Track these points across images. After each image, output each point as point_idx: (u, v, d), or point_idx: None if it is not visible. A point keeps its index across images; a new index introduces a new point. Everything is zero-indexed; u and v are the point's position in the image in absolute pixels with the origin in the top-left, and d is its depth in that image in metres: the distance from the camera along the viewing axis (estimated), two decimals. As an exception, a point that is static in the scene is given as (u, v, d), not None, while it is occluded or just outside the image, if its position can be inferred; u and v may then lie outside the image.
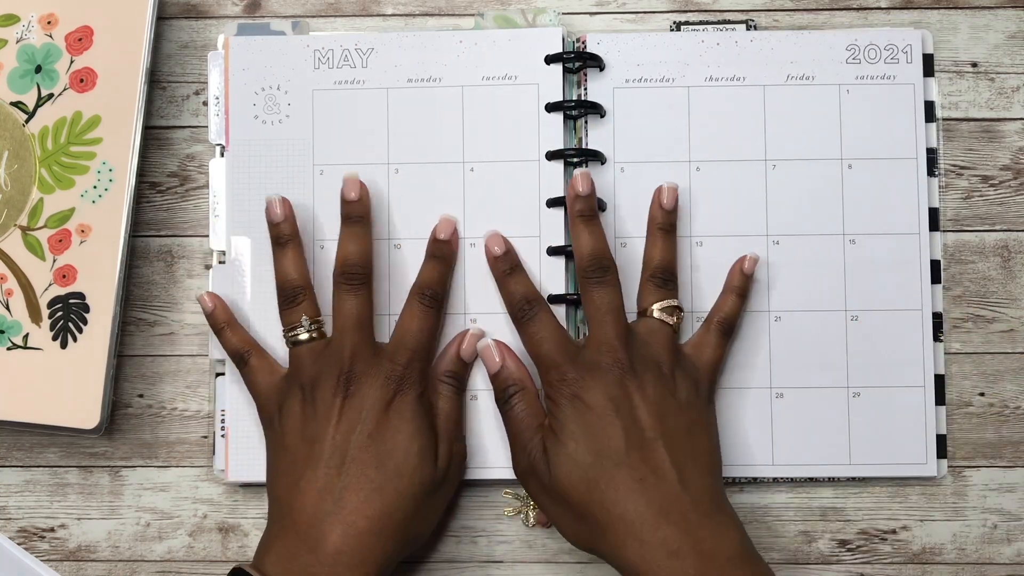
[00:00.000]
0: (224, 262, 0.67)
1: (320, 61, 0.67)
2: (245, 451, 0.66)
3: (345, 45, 0.67)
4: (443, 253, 0.65)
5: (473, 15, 0.69)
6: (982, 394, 0.67)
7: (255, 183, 0.67)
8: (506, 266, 0.64)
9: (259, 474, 0.65)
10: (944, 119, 0.68)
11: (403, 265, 0.66)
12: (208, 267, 0.67)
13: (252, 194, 0.67)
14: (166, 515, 0.67)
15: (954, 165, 0.68)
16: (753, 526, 0.66)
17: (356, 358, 0.61)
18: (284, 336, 0.63)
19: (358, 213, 0.64)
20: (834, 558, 0.66)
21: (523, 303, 0.63)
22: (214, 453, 0.67)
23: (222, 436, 0.66)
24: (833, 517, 0.66)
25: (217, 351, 0.66)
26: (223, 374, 0.66)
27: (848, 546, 0.66)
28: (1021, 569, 0.66)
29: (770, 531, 0.66)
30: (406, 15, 0.69)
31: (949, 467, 0.66)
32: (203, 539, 0.67)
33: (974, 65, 0.68)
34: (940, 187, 0.67)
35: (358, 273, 0.62)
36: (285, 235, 0.64)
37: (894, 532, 0.66)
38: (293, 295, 0.63)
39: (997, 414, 0.67)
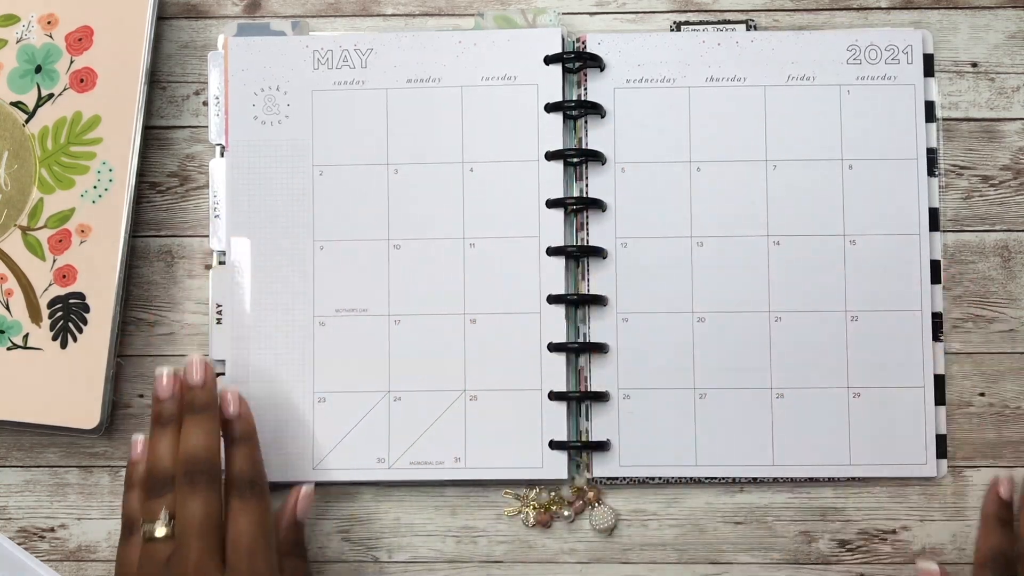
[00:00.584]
0: (224, 263, 0.67)
1: (319, 62, 0.68)
2: None
3: (344, 46, 0.67)
4: (244, 432, 0.61)
5: (473, 15, 0.69)
6: (982, 394, 0.67)
7: (255, 183, 0.67)
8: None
9: None
10: (944, 119, 0.68)
11: (402, 266, 0.66)
12: (208, 267, 0.67)
13: (252, 195, 0.67)
14: None
15: (954, 165, 0.68)
16: (753, 526, 0.66)
17: (199, 572, 0.56)
18: (141, 524, 0.59)
19: (203, 401, 0.60)
20: (834, 558, 0.66)
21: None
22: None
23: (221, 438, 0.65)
24: (833, 517, 0.66)
25: (217, 350, 0.66)
26: (223, 373, 0.66)
27: (848, 546, 0.66)
28: (1021, 569, 0.66)
29: (770, 531, 0.66)
30: (406, 15, 0.69)
31: (949, 467, 0.66)
32: None
33: (974, 65, 0.68)
34: (940, 187, 0.67)
35: (203, 471, 0.58)
36: (167, 415, 0.61)
37: (894, 532, 0.66)
38: (161, 485, 0.59)
39: (997, 414, 0.67)
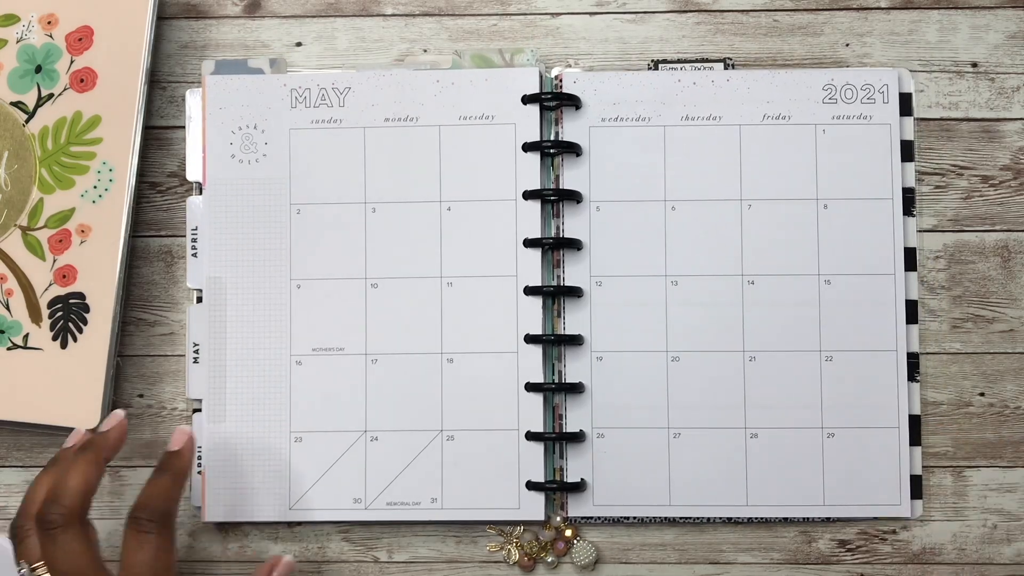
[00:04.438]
0: (201, 300, 0.67)
1: (297, 100, 0.67)
2: (221, 492, 0.66)
3: (322, 84, 0.67)
4: (173, 466, 0.60)
5: (474, 15, 0.69)
6: (982, 394, 0.67)
7: (232, 222, 0.67)
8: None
9: (235, 514, 0.65)
10: (944, 119, 0.68)
11: (379, 305, 0.66)
12: (200, 296, 0.67)
13: (229, 233, 0.67)
14: None
15: (954, 165, 0.68)
16: (752, 526, 0.66)
17: None
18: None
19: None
20: (834, 558, 0.66)
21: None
22: (190, 489, 0.66)
23: (198, 473, 0.66)
24: (833, 517, 0.66)
25: (194, 389, 0.66)
26: (199, 411, 0.66)
27: (848, 546, 0.66)
28: (1021, 569, 0.66)
29: (770, 531, 0.66)
30: (406, 15, 0.69)
31: (951, 467, 0.66)
32: (203, 539, 0.67)
33: (974, 65, 0.68)
34: (939, 187, 0.67)
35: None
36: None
37: (894, 532, 0.66)
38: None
39: (997, 414, 0.67)
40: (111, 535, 0.67)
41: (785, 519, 0.66)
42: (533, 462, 0.65)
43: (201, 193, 0.68)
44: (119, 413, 0.61)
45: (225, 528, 0.67)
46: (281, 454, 0.66)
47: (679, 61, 0.68)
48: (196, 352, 0.67)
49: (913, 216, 0.67)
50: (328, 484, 0.65)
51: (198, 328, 0.66)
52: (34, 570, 0.57)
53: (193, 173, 0.68)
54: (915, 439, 0.66)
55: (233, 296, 0.66)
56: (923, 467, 0.66)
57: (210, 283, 0.67)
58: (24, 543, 0.57)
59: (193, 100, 0.68)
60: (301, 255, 0.66)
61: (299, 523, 0.66)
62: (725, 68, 0.68)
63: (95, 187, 0.65)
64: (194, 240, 0.67)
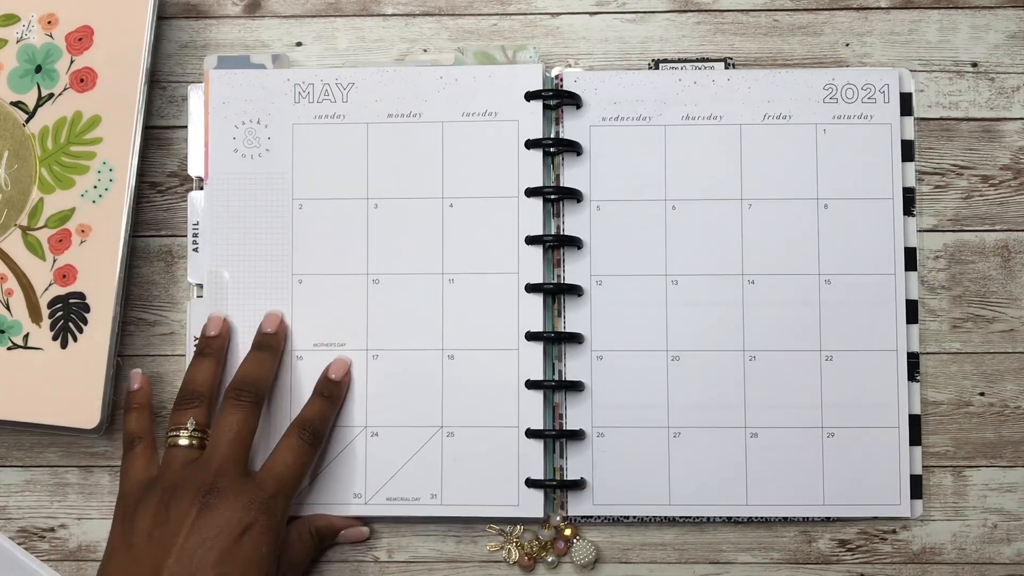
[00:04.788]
0: (202, 296, 0.67)
1: (300, 95, 0.67)
2: None
3: (325, 79, 0.67)
4: (332, 393, 0.64)
5: (474, 15, 0.69)
6: (982, 394, 0.67)
7: (234, 216, 0.67)
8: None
9: None
10: (944, 119, 0.68)
11: (381, 301, 0.66)
12: (200, 292, 0.67)
13: (231, 228, 0.67)
14: None
15: (954, 165, 0.68)
16: (752, 526, 0.66)
17: (222, 474, 0.59)
18: (167, 436, 0.62)
19: (270, 344, 0.65)
20: (834, 558, 0.66)
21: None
22: None
23: None
24: (833, 516, 0.66)
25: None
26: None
27: (848, 546, 0.66)
28: (1021, 569, 0.66)
29: (770, 531, 0.66)
30: (406, 15, 0.69)
31: (951, 467, 0.66)
32: None
33: (974, 65, 0.68)
34: (939, 187, 0.67)
35: (249, 391, 0.62)
36: (212, 348, 0.65)
37: (894, 532, 0.66)
38: (190, 398, 0.63)
39: (997, 414, 0.67)
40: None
41: (785, 519, 0.66)
42: (533, 460, 0.65)
43: (203, 188, 0.67)
44: (276, 313, 0.66)
45: None
46: None
47: (679, 61, 0.68)
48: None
49: (913, 216, 0.67)
50: (328, 479, 0.65)
51: (199, 323, 0.66)
52: (191, 433, 0.61)
53: (195, 168, 0.68)
54: (915, 439, 0.66)
55: (234, 291, 0.66)
56: (923, 467, 0.66)
57: (211, 278, 0.67)
58: (187, 412, 0.62)
59: (196, 95, 0.68)
60: (303, 250, 0.66)
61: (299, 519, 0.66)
62: (726, 68, 0.68)
63: (95, 187, 0.65)
64: (195, 235, 0.67)
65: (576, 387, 0.65)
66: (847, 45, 0.68)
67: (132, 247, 0.67)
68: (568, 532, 0.66)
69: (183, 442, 0.61)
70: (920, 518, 0.66)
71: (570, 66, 0.69)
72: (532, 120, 0.67)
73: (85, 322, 0.65)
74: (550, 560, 0.66)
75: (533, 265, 0.66)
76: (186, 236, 0.68)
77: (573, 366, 0.66)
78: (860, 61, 0.68)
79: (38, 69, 0.66)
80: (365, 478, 0.65)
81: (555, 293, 0.66)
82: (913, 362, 0.66)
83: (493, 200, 0.66)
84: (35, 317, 0.65)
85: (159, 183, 0.69)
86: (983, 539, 0.66)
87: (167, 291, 0.68)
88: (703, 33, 0.69)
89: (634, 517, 0.66)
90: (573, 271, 0.66)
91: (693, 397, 0.65)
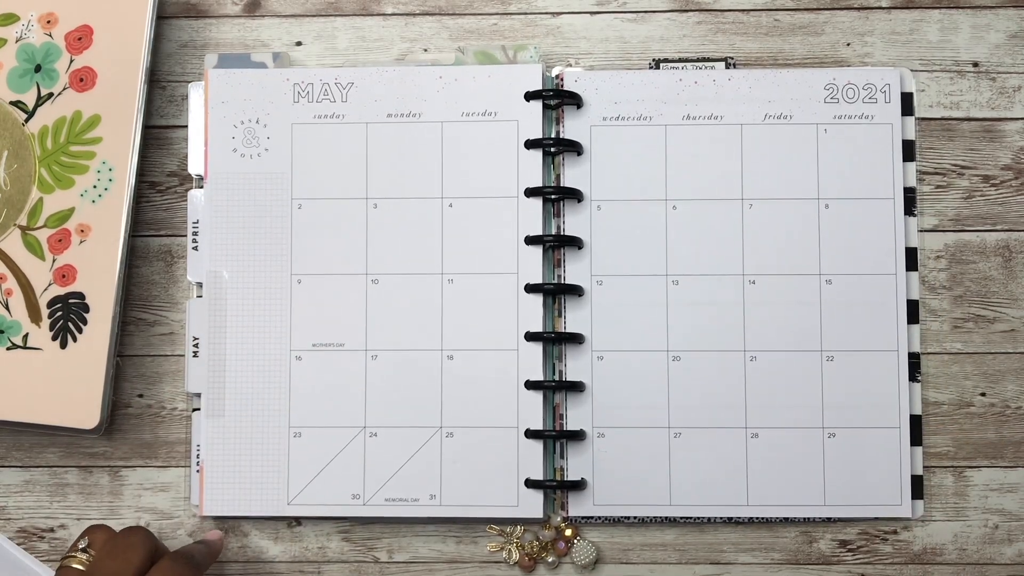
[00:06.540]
0: (201, 296, 0.67)
1: (300, 95, 0.67)
2: (220, 486, 0.66)
3: (325, 79, 0.67)
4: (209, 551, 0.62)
5: (474, 15, 0.69)
6: (983, 394, 0.67)
7: (233, 216, 0.67)
8: None
9: (233, 508, 0.66)
10: (945, 119, 0.68)
11: (380, 301, 0.66)
12: (200, 291, 0.67)
13: (230, 227, 0.67)
14: (166, 515, 0.67)
15: (955, 165, 0.68)
16: (753, 526, 0.66)
17: None
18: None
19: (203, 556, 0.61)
20: (835, 558, 0.66)
21: None
22: (190, 487, 0.67)
23: (197, 471, 0.66)
24: (834, 517, 0.66)
25: (193, 383, 0.66)
26: (199, 409, 0.66)
27: (849, 546, 0.66)
28: (1022, 570, 0.66)
29: (770, 531, 0.66)
30: (406, 14, 0.69)
31: (952, 467, 0.66)
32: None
33: (975, 65, 0.68)
34: (940, 187, 0.67)
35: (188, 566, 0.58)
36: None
37: (895, 532, 0.66)
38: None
39: (998, 414, 0.67)
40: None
41: (786, 519, 0.66)
42: (532, 460, 0.65)
43: (202, 187, 0.67)
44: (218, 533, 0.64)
45: (225, 527, 0.67)
46: (280, 449, 0.66)
47: (680, 60, 0.68)
48: (196, 346, 0.66)
49: (914, 216, 0.67)
50: (327, 479, 0.65)
51: (198, 322, 0.66)
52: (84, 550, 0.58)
53: (195, 167, 0.68)
54: (916, 439, 0.66)
55: (233, 290, 0.66)
56: (924, 467, 0.66)
57: (210, 277, 0.67)
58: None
59: (195, 94, 0.68)
60: (302, 250, 0.66)
61: (299, 523, 0.66)
62: (726, 67, 0.68)
63: (95, 187, 0.65)
64: (195, 234, 0.67)
65: (576, 387, 0.65)
66: (848, 45, 0.68)
67: (132, 247, 0.68)
68: (568, 533, 0.66)
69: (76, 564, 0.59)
70: (921, 518, 0.66)
71: (570, 66, 0.68)
72: (532, 120, 0.67)
73: (85, 322, 0.65)
74: (550, 561, 0.66)
75: (533, 265, 0.66)
76: (186, 236, 0.68)
77: (574, 366, 0.66)
78: (861, 61, 0.68)
79: (37, 68, 0.66)
80: (364, 479, 0.65)
81: (555, 293, 0.66)
82: (914, 362, 0.66)
83: (493, 200, 0.66)
84: (34, 317, 0.65)
85: (159, 183, 0.69)
86: (984, 540, 0.66)
87: (167, 291, 0.68)
88: (704, 33, 0.69)
89: (635, 517, 0.65)
90: (573, 271, 0.66)
91: (694, 397, 0.65)
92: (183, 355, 0.68)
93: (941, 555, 0.66)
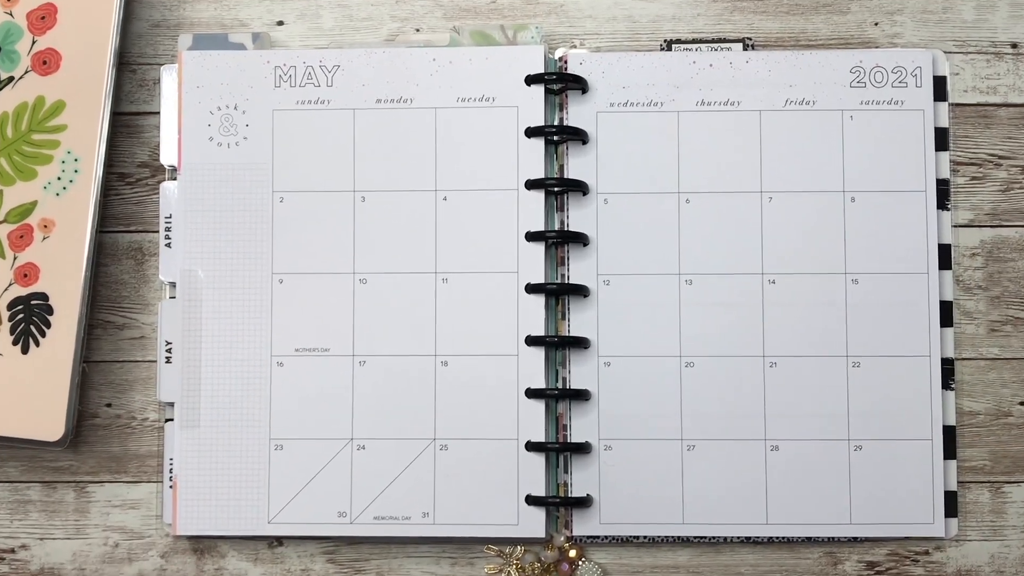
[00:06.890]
0: (175, 296, 0.65)
1: (281, 79, 0.66)
2: (194, 503, 0.64)
3: (308, 61, 0.66)
4: None
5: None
6: (1023, 403, 0.64)
7: (209, 210, 0.66)
8: None
9: (209, 527, 0.64)
10: (981, 104, 0.66)
11: (368, 302, 0.64)
12: (173, 292, 0.65)
13: (206, 222, 0.65)
14: (136, 535, 0.65)
15: (992, 154, 0.65)
16: (773, 546, 0.64)
17: None
18: None
19: None
20: (862, 582, 0.64)
21: None
22: (162, 504, 0.65)
23: (170, 487, 0.64)
24: (861, 536, 0.64)
25: (166, 392, 0.64)
26: (172, 420, 0.64)
27: (877, 568, 0.64)
28: (1063, 594, 0.64)
29: (792, 552, 0.64)
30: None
31: (988, 483, 0.64)
32: (176, 561, 0.65)
33: (1014, 46, 0.66)
34: (975, 178, 0.65)
35: None
36: None
37: (927, 553, 0.64)
38: None
39: (1039, 425, 0.65)
40: (76, 555, 0.65)
41: (808, 539, 0.64)
42: (533, 475, 0.63)
43: (176, 179, 0.66)
44: None
45: (200, 548, 0.65)
46: (260, 463, 0.64)
47: (694, 41, 0.66)
48: (168, 351, 0.65)
49: (948, 210, 0.65)
50: (310, 496, 0.64)
51: (171, 325, 0.65)
52: None
53: (167, 157, 0.66)
54: (950, 452, 0.64)
55: (209, 291, 0.65)
56: (958, 482, 0.64)
57: (185, 276, 0.65)
58: None
59: (168, 78, 0.66)
60: (284, 247, 0.65)
61: (280, 542, 0.65)
62: (744, 49, 0.66)
63: (59, 178, 0.64)
64: (168, 230, 0.65)
65: (581, 396, 0.63)
66: (876, 24, 0.66)
67: (99, 243, 0.66)
68: (573, 553, 0.64)
69: None
70: (955, 538, 0.64)
71: (575, 47, 0.66)
72: (533, 106, 0.65)
73: (48, 325, 0.63)
74: (554, 581, 0.64)
75: (534, 264, 0.64)
76: (158, 231, 0.66)
77: (578, 373, 0.64)
78: (890, 42, 0.66)
79: (-3, 50, 0.65)
80: (351, 495, 0.64)
81: (558, 294, 0.64)
82: (947, 369, 0.64)
83: (490, 193, 0.65)
84: (-7, 320, 0.63)
85: (128, 174, 0.67)
86: (1023, 561, 0.64)
87: (137, 291, 0.66)
88: (720, 11, 0.67)
89: (644, 537, 0.64)
90: (578, 270, 0.64)
91: (708, 406, 0.64)
92: (155, 361, 0.66)
93: (977, 579, 0.64)
